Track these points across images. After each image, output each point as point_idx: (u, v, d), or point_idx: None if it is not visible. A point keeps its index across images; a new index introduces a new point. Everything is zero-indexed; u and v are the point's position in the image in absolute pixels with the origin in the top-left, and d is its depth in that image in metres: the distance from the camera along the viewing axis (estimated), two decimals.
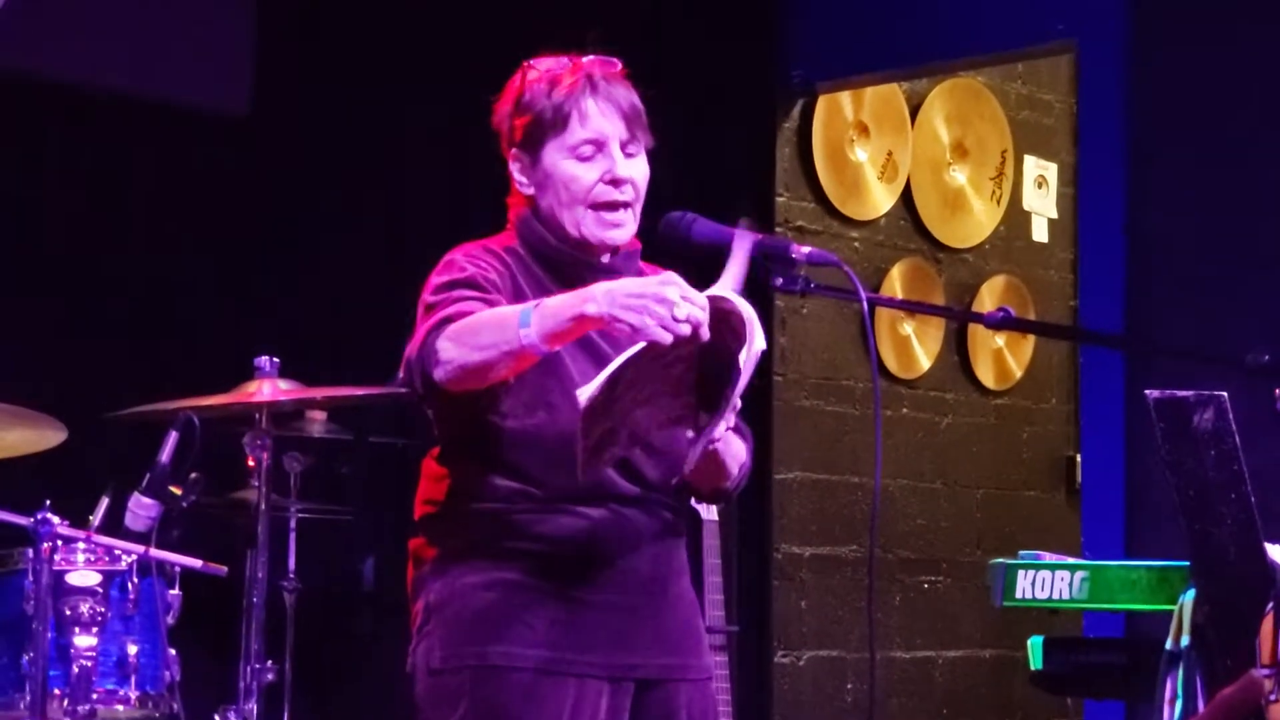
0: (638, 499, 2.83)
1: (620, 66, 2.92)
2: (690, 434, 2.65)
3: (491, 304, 2.72)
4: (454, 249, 2.89)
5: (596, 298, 2.55)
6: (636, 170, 2.88)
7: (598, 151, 2.85)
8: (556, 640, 2.78)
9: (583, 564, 2.80)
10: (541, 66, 2.90)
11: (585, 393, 2.50)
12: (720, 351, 2.55)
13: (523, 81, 2.90)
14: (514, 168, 2.91)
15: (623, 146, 2.86)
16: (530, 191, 2.90)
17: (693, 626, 2.94)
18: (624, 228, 2.87)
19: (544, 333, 2.58)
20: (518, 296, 2.80)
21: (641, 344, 2.50)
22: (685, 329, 2.49)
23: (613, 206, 2.85)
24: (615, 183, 2.84)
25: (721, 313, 2.54)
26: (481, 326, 2.63)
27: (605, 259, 2.89)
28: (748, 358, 2.51)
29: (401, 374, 2.73)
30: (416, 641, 2.86)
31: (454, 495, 2.83)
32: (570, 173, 2.85)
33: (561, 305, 2.59)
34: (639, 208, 2.89)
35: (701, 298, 2.53)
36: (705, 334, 2.51)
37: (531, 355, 2.60)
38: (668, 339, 2.49)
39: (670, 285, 2.52)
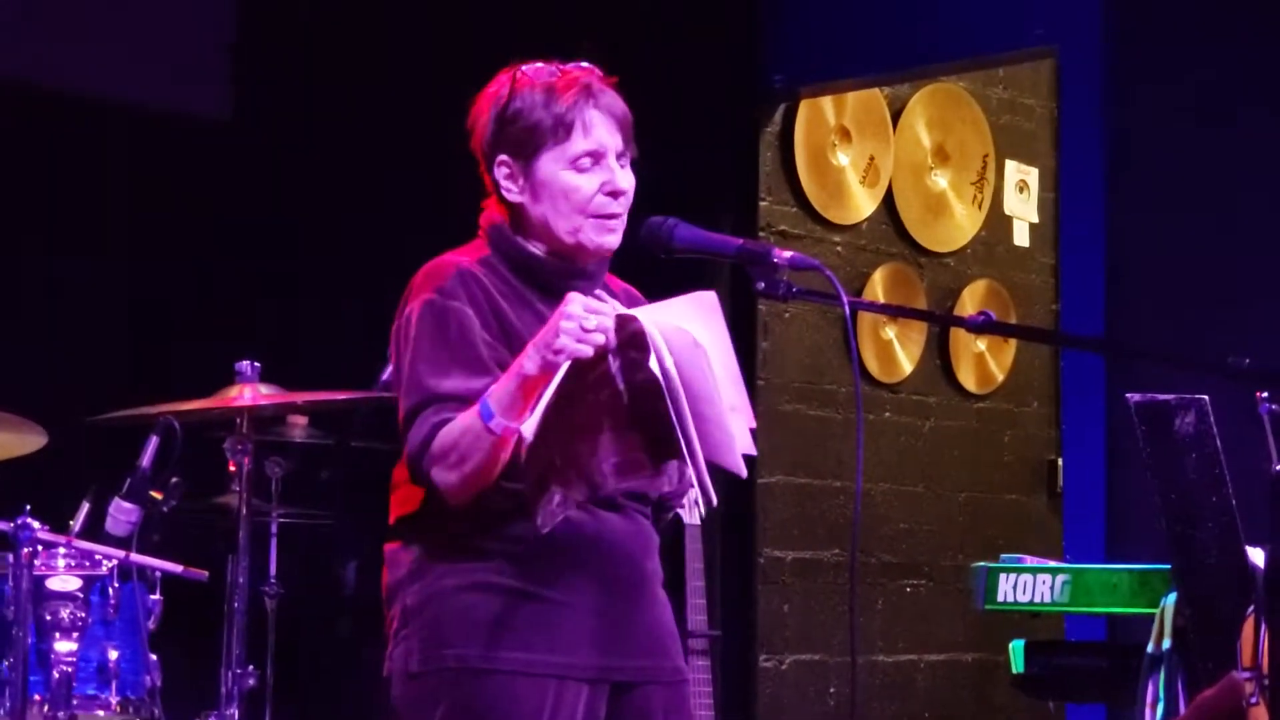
0: (616, 503, 2.85)
1: (609, 75, 2.93)
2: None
3: (467, 395, 2.74)
4: (426, 271, 2.88)
5: (527, 355, 2.67)
6: (630, 181, 2.91)
7: (596, 163, 2.87)
8: (535, 642, 2.79)
9: (560, 566, 2.80)
10: (531, 73, 2.90)
11: (529, 428, 2.62)
12: (648, 385, 2.63)
13: (512, 87, 2.89)
14: (499, 173, 2.91)
15: (617, 158, 2.89)
16: (519, 199, 2.90)
17: (667, 629, 2.95)
18: (618, 234, 2.90)
19: (506, 412, 2.67)
20: (495, 315, 2.82)
21: (566, 364, 2.61)
22: (599, 338, 2.62)
23: (610, 216, 2.88)
24: (614, 194, 2.87)
25: (633, 335, 2.63)
26: (456, 443, 2.73)
27: (579, 264, 2.91)
28: (661, 373, 2.60)
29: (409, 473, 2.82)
30: (393, 646, 2.87)
31: (430, 499, 2.83)
32: (571, 183, 2.86)
33: (506, 382, 2.70)
34: (625, 217, 2.91)
35: (606, 306, 2.66)
36: (613, 340, 2.62)
37: (511, 435, 2.68)
38: (587, 351, 2.61)
39: (572, 304, 2.64)
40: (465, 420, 2.72)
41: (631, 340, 2.62)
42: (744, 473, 2.74)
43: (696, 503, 3.76)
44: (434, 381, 2.78)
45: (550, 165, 2.86)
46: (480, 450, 2.70)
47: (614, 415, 2.68)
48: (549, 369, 2.62)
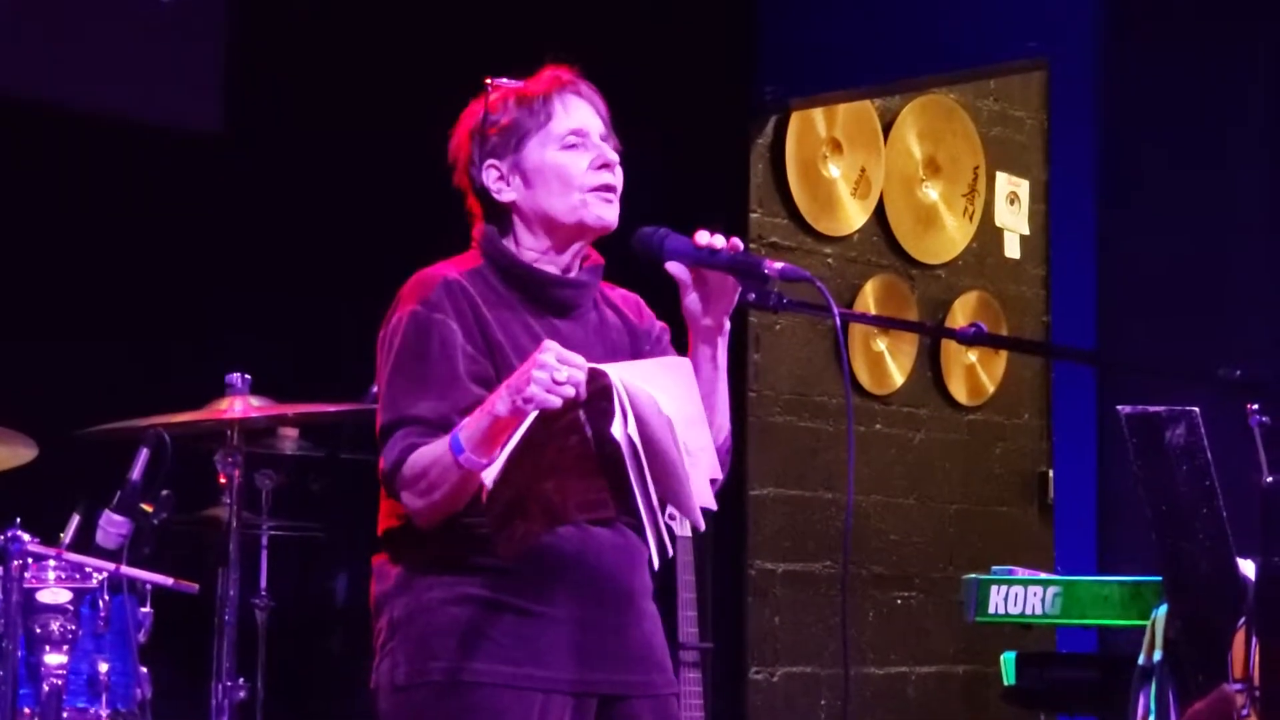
0: (605, 518, 2.84)
1: (593, 83, 2.96)
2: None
3: (439, 420, 2.75)
4: (413, 282, 2.88)
5: (499, 396, 2.66)
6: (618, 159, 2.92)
7: (582, 141, 2.89)
8: (522, 656, 2.78)
9: (548, 579, 2.80)
10: (502, 85, 2.93)
11: (490, 475, 2.61)
12: (611, 439, 2.63)
13: (487, 100, 2.92)
14: (488, 178, 2.91)
15: (602, 139, 2.92)
16: (511, 197, 2.91)
17: (656, 643, 2.94)
18: (615, 207, 2.91)
19: (476, 449, 2.67)
20: (480, 326, 2.82)
21: (534, 413, 2.60)
22: (569, 390, 2.60)
23: (605, 188, 2.89)
24: (606, 165, 2.89)
25: (601, 389, 2.63)
26: (426, 471, 2.74)
27: (570, 274, 2.92)
28: (624, 438, 2.60)
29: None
30: (380, 658, 2.86)
31: None
32: (561, 160, 2.88)
33: (478, 419, 2.69)
34: (619, 195, 2.92)
35: (579, 359, 2.63)
36: (583, 393, 2.61)
37: (478, 470, 2.67)
38: (555, 402, 2.60)
39: (546, 353, 2.62)
40: (436, 450, 2.73)
41: (602, 392, 2.64)
42: (702, 526, 2.75)
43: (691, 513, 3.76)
44: (407, 403, 2.79)
45: (538, 150, 2.89)
46: (448, 482, 2.72)
47: (581, 460, 2.70)
48: (518, 414, 2.63)
